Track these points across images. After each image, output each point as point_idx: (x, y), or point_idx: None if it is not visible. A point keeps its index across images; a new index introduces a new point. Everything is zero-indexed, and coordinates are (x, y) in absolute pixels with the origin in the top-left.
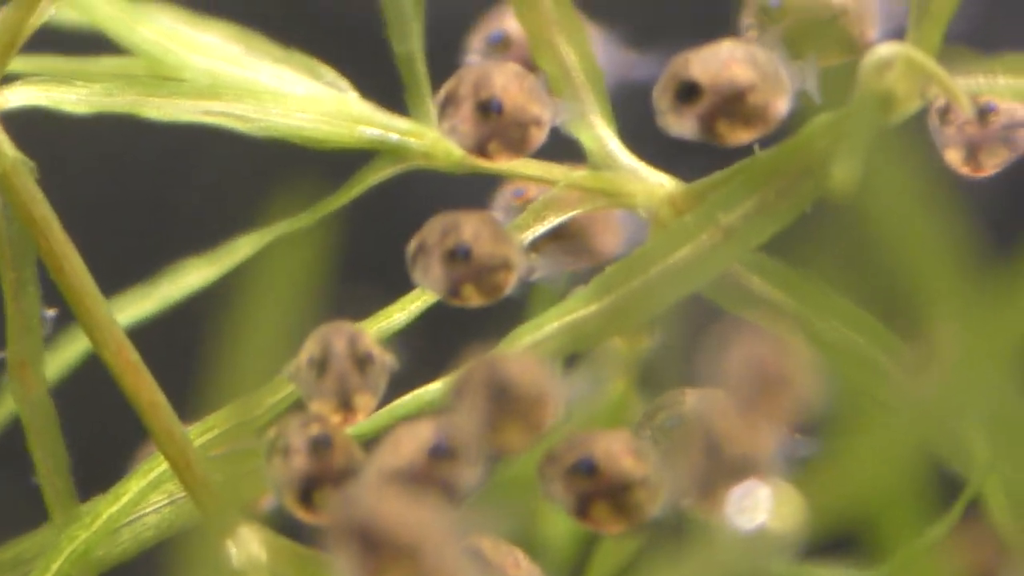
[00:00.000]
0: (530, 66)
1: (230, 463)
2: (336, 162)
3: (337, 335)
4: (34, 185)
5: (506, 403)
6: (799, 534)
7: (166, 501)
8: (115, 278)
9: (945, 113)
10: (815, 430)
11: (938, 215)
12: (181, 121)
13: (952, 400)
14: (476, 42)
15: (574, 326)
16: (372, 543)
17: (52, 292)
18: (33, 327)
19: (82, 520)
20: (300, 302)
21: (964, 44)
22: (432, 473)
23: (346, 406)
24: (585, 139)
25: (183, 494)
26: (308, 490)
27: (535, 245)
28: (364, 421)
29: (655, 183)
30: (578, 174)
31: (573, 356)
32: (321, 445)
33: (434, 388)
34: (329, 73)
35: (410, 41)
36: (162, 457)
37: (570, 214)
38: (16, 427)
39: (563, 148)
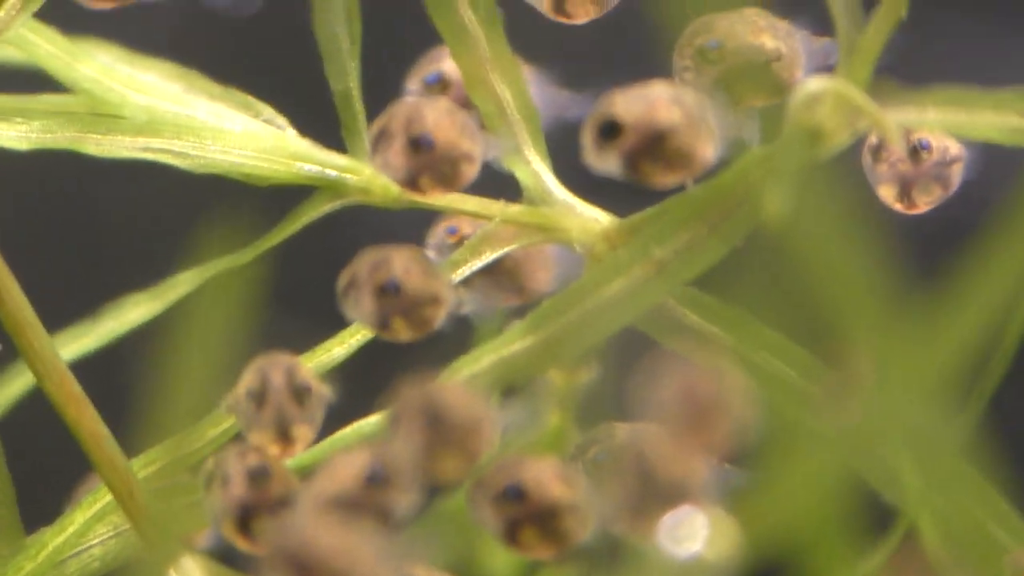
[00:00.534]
0: (468, 107)
1: (172, 495)
2: (267, 194)
3: (275, 367)
4: None
5: (442, 431)
6: (733, 563)
7: (111, 533)
8: (55, 311)
9: (878, 150)
10: (746, 460)
11: (865, 247)
12: (120, 157)
13: (876, 428)
14: (414, 83)
15: (511, 359)
16: (306, 570)
17: None
18: None
19: (27, 552)
20: (238, 336)
21: (893, 78)
22: (368, 500)
23: (284, 437)
24: (521, 175)
25: (128, 526)
26: (246, 519)
27: (471, 280)
28: (302, 453)
29: (590, 218)
30: (514, 209)
31: (510, 390)
32: (258, 474)
33: (372, 421)
34: (267, 110)
35: (347, 79)
36: (106, 489)
37: (506, 249)
38: None
39: (500, 184)
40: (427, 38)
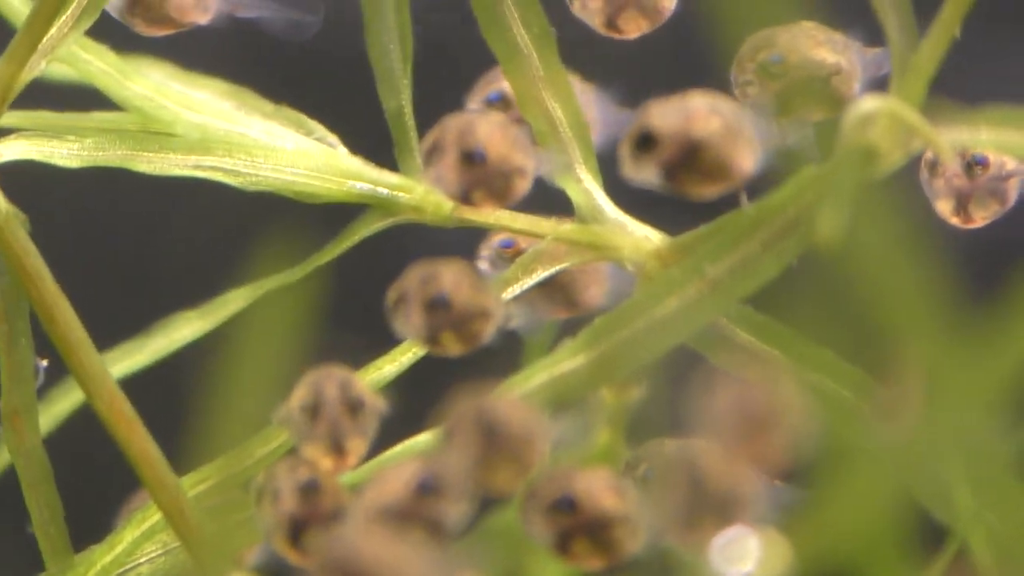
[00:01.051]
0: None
1: (223, 513)
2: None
3: (329, 380)
4: (26, 237)
5: (495, 442)
6: None
7: (160, 551)
8: (106, 329)
9: (934, 166)
10: (798, 477)
11: (920, 265)
12: (171, 175)
13: (929, 446)
14: (474, 103)
15: (563, 377)
16: None
17: (45, 343)
18: (26, 378)
19: (76, 570)
20: (291, 353)
21: (947, 97)
22: (418, 510)
23: (337, 450)
24: (573, 192)
25: (177, 544)
26: (297, 533)
27: (523, 297)
28: (354, 469)
29: (642, 236)
30: (566, 227)
31: (561, 406)
32: (309, 488)
33: (423, 438)
34: (318, 128)
35: (399, 97)
36: (156, 507)
37: (558, 267)
38: (11, 478)
39: (551, 201)
40: (480, 57)
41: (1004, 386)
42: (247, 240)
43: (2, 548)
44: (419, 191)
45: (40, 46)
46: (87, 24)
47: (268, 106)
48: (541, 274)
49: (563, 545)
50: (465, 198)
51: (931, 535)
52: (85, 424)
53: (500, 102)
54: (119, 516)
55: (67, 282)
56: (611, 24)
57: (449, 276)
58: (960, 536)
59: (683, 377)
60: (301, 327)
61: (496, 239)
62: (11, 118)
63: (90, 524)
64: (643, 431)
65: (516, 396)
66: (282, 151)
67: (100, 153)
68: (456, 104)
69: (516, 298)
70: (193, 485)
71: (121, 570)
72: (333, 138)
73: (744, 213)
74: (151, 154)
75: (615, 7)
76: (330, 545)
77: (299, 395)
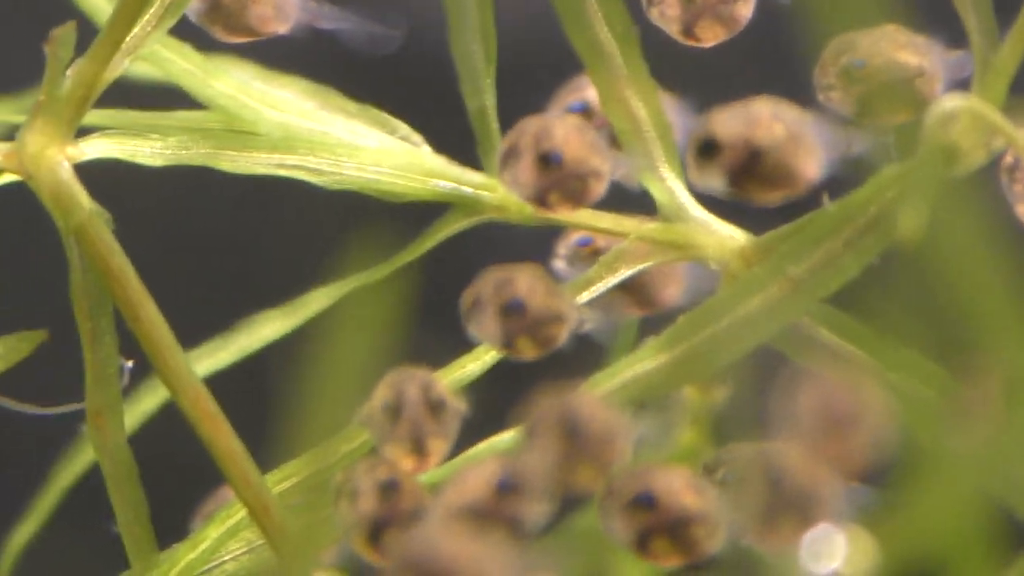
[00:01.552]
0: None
1: (307, 510)
2: (398, 212)
3: (410, 381)
4: (110, 236)
5: (576, 442)
6: None
7: (244, 549)
8: (190, 327)
9: (1013, 170)
10: (882, 477)
11: (1002, 264)
12: (255, 174)
13: (1013, 448)
14: (556, 110)
15: (647, 375)
16: None
17: (129, 342)
18: (110, 377)
19: (161, 568)
20: (375, 352)
21: None
22: (499, 509)
23: (419, 450)
24: (656, 192)
25: (261, 542)
26: (376, 532)
27: (600, 297)
28: (434, 469)
29: (726, 236)
30: (649, 226)
31: (644, 405)
32: (389, 488)
33: (504, 438)
34: (402, 127)
35: (482, 96)
36: (240, 505)
37: (642, 266)
38: (96, 476)
39: (634, 202)
40: (563, 58)
41: None
42: (333, 239)
43: (87, 546)
44: (502, 190)
45: (123, 45)
46: (170, 23)
47: (351, 105)
48: (624, 273)
49: (642, 543)
50: (541, 200)
51: (1015, 536)
52: (169, 423)
53: (584, 113)
54: (200, 513)
55: (151, 281)
56: (688, 32)
57: (523, 281)
58: None
59: (767, 377)
60: (386, 326)
61: (574, 237)
62: (95, 117)
63: (174, 523)
64: (727, 431)
65: (598, 395)
66: (365, 150)
67: (183, 152)
68: (538, 107)
69: (592, 299)
70: (277, 483)
71: (205, 567)
72: (417, 137)
73: (826, 212)
74: (234, 153)
75: (692, 15)
76: (408, 544)
77: (380, 395)
